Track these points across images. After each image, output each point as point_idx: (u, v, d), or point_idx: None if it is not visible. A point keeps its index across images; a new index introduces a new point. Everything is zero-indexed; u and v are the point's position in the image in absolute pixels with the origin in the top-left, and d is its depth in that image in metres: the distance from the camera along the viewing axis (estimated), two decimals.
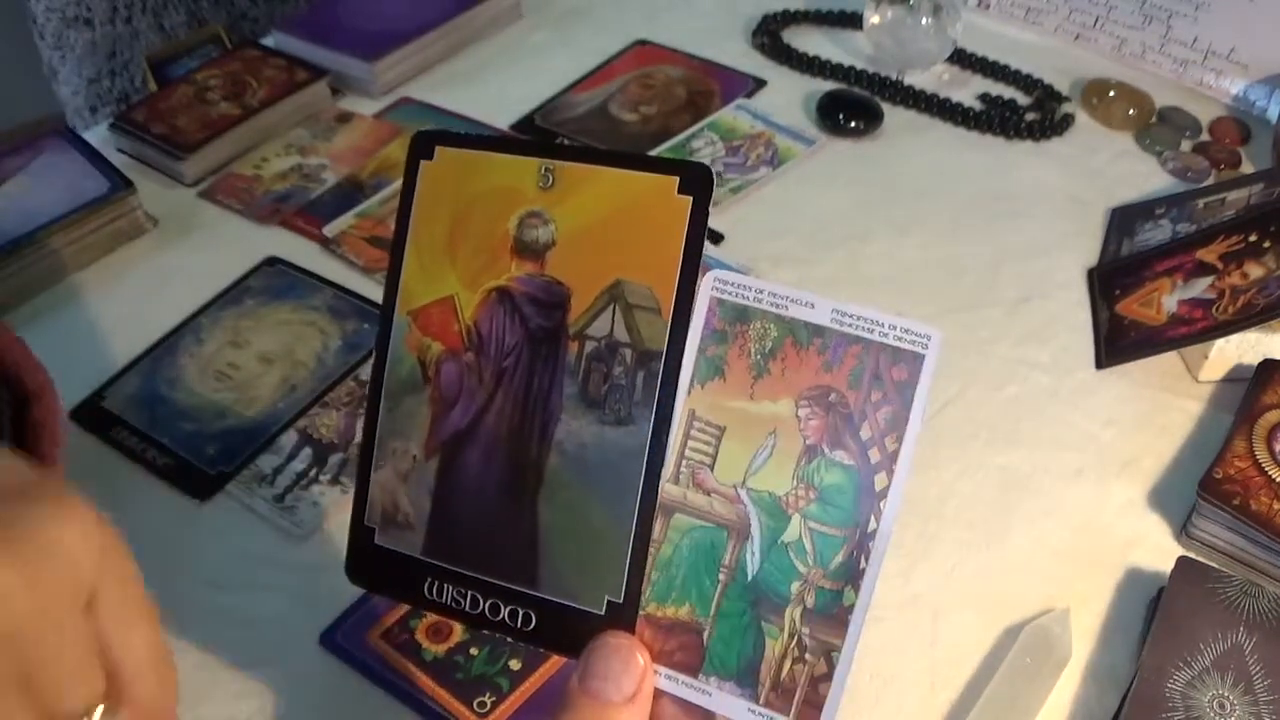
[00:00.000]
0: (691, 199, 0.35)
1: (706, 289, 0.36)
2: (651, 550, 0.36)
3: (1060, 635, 0.49)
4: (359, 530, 0.39)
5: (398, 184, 0.75)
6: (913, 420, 0.34)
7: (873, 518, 0.34)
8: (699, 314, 0.36)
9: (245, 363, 0.63)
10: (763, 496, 0.35)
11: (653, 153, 0.78)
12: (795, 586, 0.35)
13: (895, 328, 0.35)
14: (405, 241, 0.39)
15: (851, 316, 0.35)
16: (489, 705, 0.48)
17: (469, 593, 0.37)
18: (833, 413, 0.35)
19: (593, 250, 0.36)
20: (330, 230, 0.72)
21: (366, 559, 0.38)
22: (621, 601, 0.35)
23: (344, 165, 0.78)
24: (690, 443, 0.36)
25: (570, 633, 0.35)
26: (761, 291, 0.36)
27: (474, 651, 0.49)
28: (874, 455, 0.35)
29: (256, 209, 0.75)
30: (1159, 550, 0.54)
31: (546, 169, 0.37)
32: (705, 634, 0.35)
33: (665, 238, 0.35)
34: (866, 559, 0.34)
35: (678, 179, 0.35)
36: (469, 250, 0.38)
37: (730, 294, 0.36)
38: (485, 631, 0.38)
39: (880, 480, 0.34)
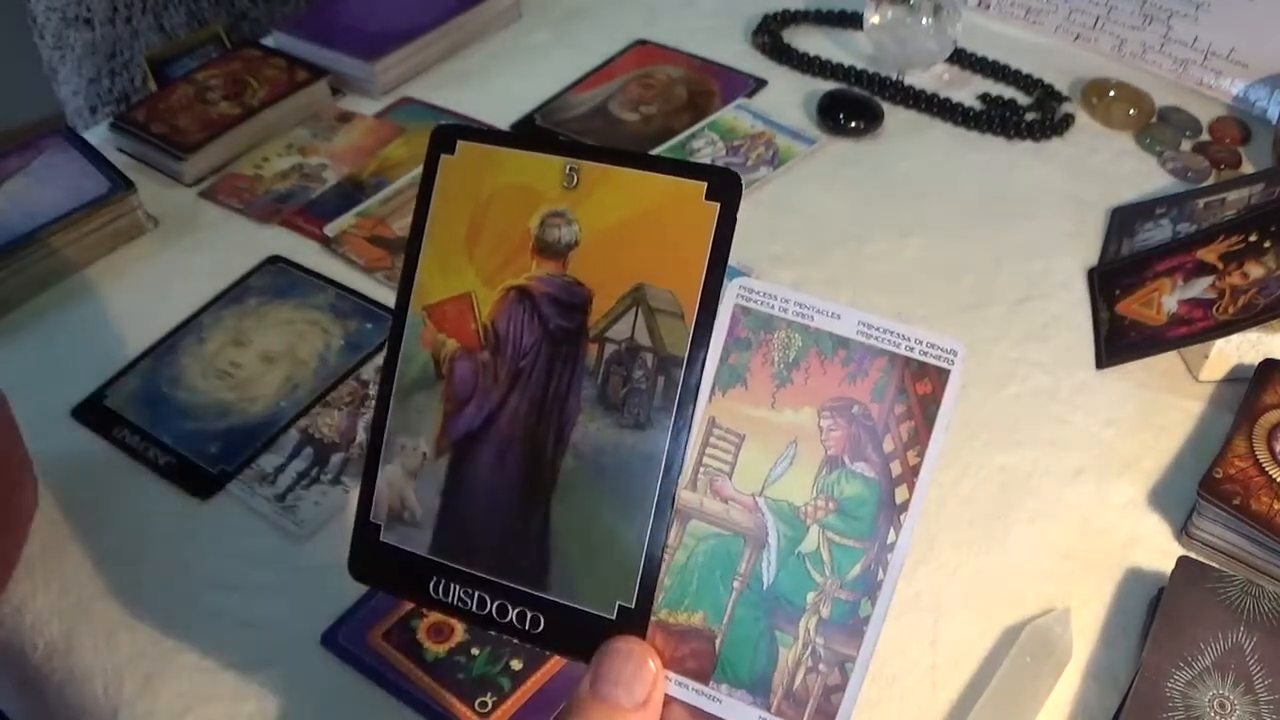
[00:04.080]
0: (719, 205, 0.35)
1: (731, 296, 0.36)
2: (665, 556, 0.35)
3: (1060, 635, 0.49)
4: (364, 527, 0.38)
5: (398, 184, 0.76)
6: (935, 435, 0.34)
7: (892, 530, 0.34)
8: (722, 321, 0.36)
9: (247, 362, 0.63)
10: (781, 506, 0.35)
11: (653, 153, 0.78)
12: (811, 597, 0.35)
13: (921, 342, 0.35)
14: (422, 236, 0.38)
15: (877, 329, 0.35)
16: (490, 705, 0.48)
17: (476, 593, 0.37)
18: (855, 424, 0.35)
19: (616, 252, 0.36)
20: (331, 230, 0.72)
21: (371, 556, 0.38)
22: (633, 607, 0.35)
23: (344, 165, 0.78)
24: (709, 449, 0.36)
25: (579, 636, 0.35)
26: (787, 301, 0.36)
27: (475, 652, 0.50)
28: (895, 468, 0.34)
29: (257, 209, 0.75)
30: (1159, 550, 0.54)
31: (571, 168, 0.37)
32: (718, 641, 0.35)
33: (691, 243, 0.35)
34: (884, 571, 0.34)
35: (705, 184, 0.35)
36: (488, 247, 0.37)
37: (755, 302, 0.36)
38: (493, 633, 0.38)
39: (901, 493, 0.34)
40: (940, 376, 0.34)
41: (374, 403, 0.39)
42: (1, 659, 0.53)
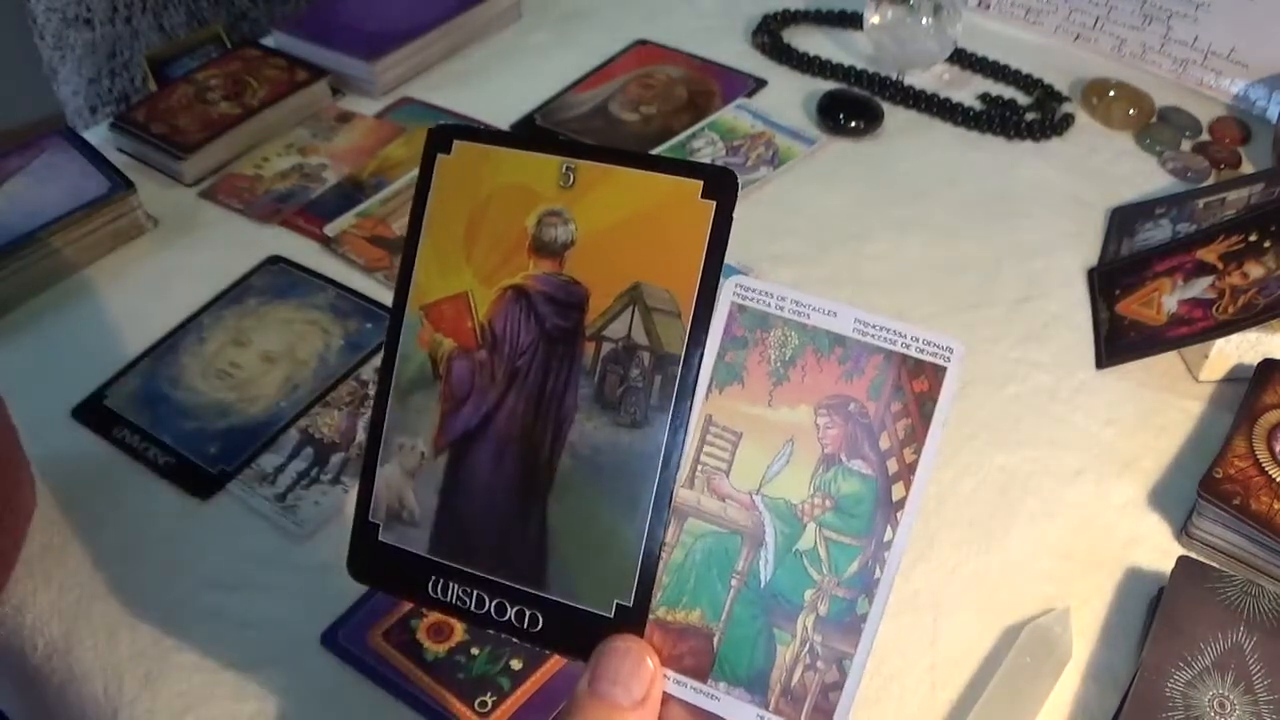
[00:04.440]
0: (715, 203, 0.35)
1: (727, 295, 0.36)
2: (663, 554, 0.35)
3: (1060, 635, 0.49)
4: (363, 526, 0.38)
5: (398, 184, 0.76)
6: (932, 432, 0.34)
7: (889, 528, 0.34)
8: (719, 319, 0.36)
9: (247, 361, 0.63)
10: (778, 504, 0.35)
11: (653, 153, 0.78)
12: (809, 594, 0.35)
13: (918, 339, 0.34)
14: (419, 236, 0.38)
15: (874, 327, 0.35)
16: (490, 705, 0.48)
17: (475, 592, 0.37)
18: (852, 422, 0.35)
19: (613, 251, 0.36)
20: (331, 230, 0.72)
21: (369, 555, 0.38)
22: (631, 605, 0.35)
23: (345, 165, 0.78)
24: (706, 448, 0.36)
25: (577, 635, 0.35)
26: (783, 299, 0.36)
27: (475, 651, 0.50)
28: (892, 466, 0.34)
29: (257, 209, 0.75)
30: (1159, 550, 0.54)
31: (568, 168, 0.37)
32: (715, 639, 0.35)
33: (687, 242, 0.35)
34: (881, 569, 0.34)
35: (702, 183, 0.35)
36: (485, 247, 0.37)
37: (751, 300, 0.36)
38: (491, 632, 0.38)
39: (897, 490, 0.34)
40: (937, 374, 0.34)
41: (372, 402, 0.39)
42: (1, 659, 0.53)
